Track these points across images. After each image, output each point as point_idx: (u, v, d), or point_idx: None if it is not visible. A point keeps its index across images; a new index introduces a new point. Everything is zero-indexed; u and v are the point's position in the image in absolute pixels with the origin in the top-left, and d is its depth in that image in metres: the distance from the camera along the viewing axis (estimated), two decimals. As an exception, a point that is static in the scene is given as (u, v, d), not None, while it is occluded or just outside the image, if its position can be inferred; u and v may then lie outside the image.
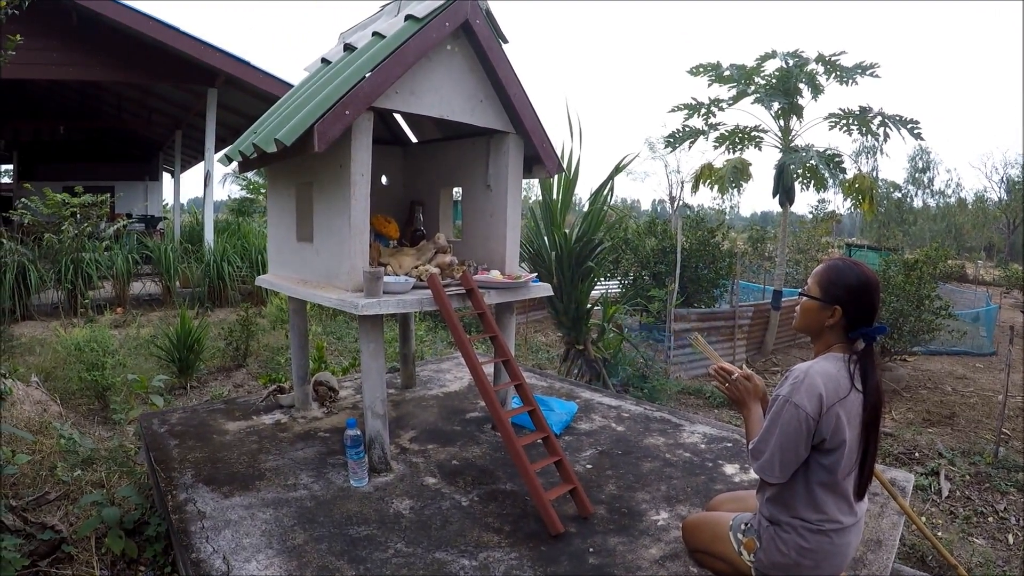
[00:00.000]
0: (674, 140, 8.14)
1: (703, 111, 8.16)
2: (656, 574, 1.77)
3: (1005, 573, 3.03)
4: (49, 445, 3.20)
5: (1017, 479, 4.22)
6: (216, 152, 8.85)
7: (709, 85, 8.05)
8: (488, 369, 3.03)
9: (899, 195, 27.56)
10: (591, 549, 1.88)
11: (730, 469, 2.52)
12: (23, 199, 7.20)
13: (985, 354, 9.59)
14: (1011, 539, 3.47)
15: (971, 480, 4.26)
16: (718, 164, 8.63)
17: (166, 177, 15.82)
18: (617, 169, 4.30)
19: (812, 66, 7.82)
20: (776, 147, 8.34)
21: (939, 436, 5.35)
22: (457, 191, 3.33)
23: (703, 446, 2.78)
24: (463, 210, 3.01)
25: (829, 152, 7.64)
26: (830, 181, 7.86)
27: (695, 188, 8.89)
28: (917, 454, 4.90)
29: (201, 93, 8.89)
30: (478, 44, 2.50)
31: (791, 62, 7.66)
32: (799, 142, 8.29)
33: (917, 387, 7.38)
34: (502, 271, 2.70)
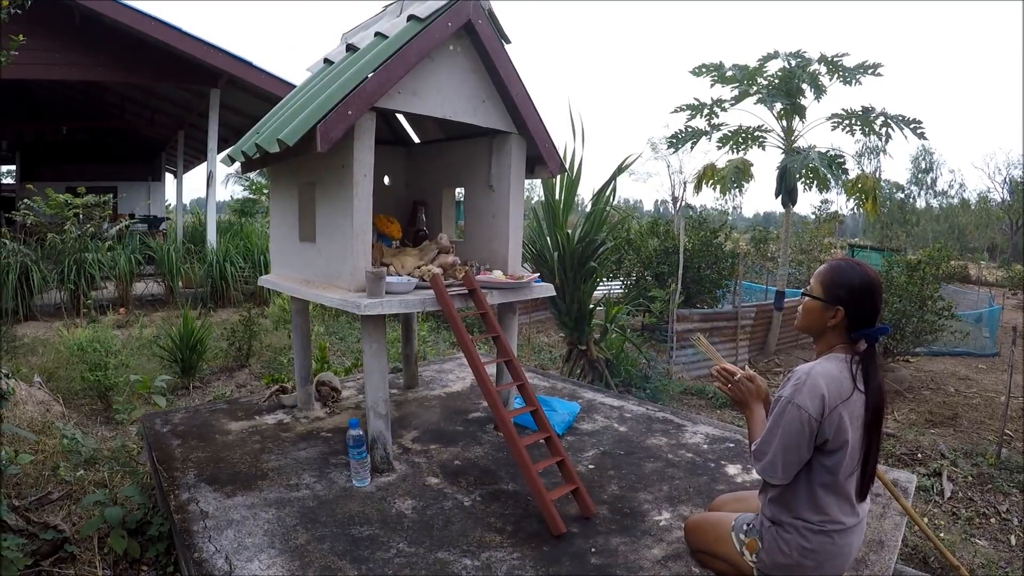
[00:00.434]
0: (677, 141, 8.13)
1: (706, 111, 8.14)
2: (658, 574, 1.76)
3: (1008, 574, 3.02)
4: (52, 445, 3.21)
5: (1019, 480, 4.20)
6: (219, 152, 8.87)
7: (712, 85, 8.04)
8: (492, 370, 3.03)
9: (902, 196, 27.49)
10: (593, 549, 1.88)
11: (732, 469, 2.51)
12: (26, 200, 7.22)
13: (988, 355, 9.56)
14: (1013, 540, 3.45)
15: (973, 481, 4.25)
16: (721, 164, 8.62)
17: (169, 178, 15.85)
18: (619, 169, 4.30)
19: (815, 67, 7.80)
20: (779, 148, 8.33)
21: (942, 437, 5.34)
22: (460, 191, 3.33)
23: (705, 446, 2.77)
24: (465, 210, 3.01)
25: (831, 153, 7.62)
26: (832, 182, 7.83)
27: (698, 188, 8.88)
28: (920, 455, 4.88)
29: (203, 93, 8.91)
30: (480, 44, 2.50)
31: (793, 63, 7.64)
32: (802, 143, 8.28)
33: (920, 388, 7.35)
34: (505, 271, 2.70)
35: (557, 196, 4.21)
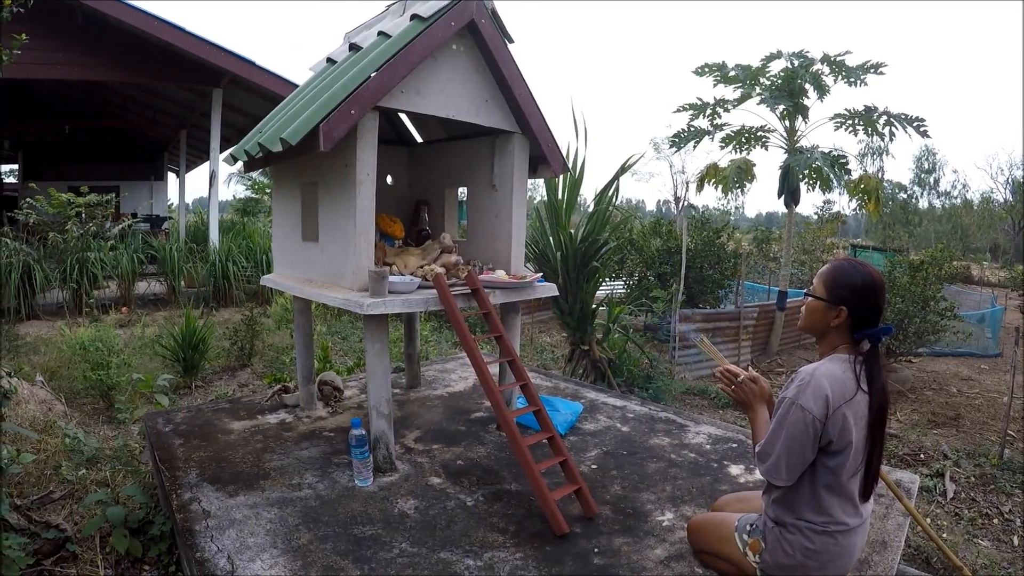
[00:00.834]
0: (679, 140, 8.11)
1: (708, 111, 8.12)
2: (661, 574, 1.76)
3: (1010, 575, 3.00)
4: (54, 444, 3.21)
5: (1022, 481, 4.17)
6: (221, 152, 8.87)
7: (715, 85, 8.01)
8: (494, 369, 3.03)
9: (904, 196, 27.41)
10: (596, 549, 1.87)
11: (735, 470, 2.50)
12: (28, 199, 7.23)
13: (990, 355, 9.53)
14: (1016, 541, 3.44)
15: (976, 482, 4.24)
16: (723, 164, 8.60)
17: (171, 177, 15.88)
18: (622, 169, 4.29)
19: (817, 66, 7.77)
20: (782, 148, 8.31)
21: (944, 437, 5.32)
22: (462, 191, 3.32)
23: (708, 447, 2.76)
24: (468, 210, 3.01)
25: (834, 153, 7.60)
26: (835, 182, 7.81)
27: (700, 188, 8.86)
28: (922, 455, 4.87)
29: (206, 93, 8.92)
30: (484, 44, 2.50)
31: (796, 62, 7.62)
32: (804, 143, 8.25)
33: (922, 388, 7.33)
34: (507, 271, 2.69)
35: (560, 196, 4.20)
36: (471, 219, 2.97)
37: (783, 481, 1.55)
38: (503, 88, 2.61)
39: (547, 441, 2.13)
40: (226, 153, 3.35)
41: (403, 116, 3.36)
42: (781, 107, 7.86)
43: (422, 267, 2.47)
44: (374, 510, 2.07)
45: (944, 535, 3.42)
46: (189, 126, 11.73)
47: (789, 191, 7.96)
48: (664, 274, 7.91)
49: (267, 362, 5.39)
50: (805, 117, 8.13)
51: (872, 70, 7.77)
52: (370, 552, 1.82)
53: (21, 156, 13.55)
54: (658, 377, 5.07)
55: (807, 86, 7.76)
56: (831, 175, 7.47)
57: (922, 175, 28.27)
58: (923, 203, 29.29)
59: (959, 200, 29.00)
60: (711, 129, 8.11)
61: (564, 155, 4.00)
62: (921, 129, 7.63)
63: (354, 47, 2.75)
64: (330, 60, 2.96)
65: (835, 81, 7.86)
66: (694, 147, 8.15)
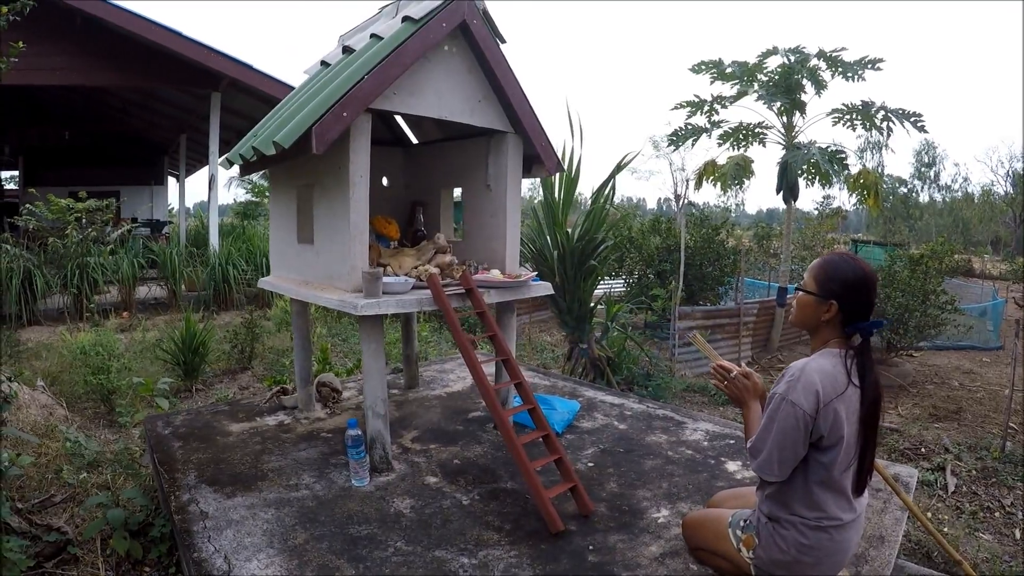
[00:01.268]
0: (677, 138, 8.11)
1: (706, 108, 8.12)
2: (656, 572, 1.76)
3: (1012, 569, 2.99)
4: (55, 448, 3.23)
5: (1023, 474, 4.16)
6: (220, 156, 8.90)
7: (712, 82, 8.01)
8: (490, 368, 3.04)
9: (905, 190, 27.33)
10: (591, 547, 1.88)
11: (732, 466, 2.51)
12: (28, 204, 7.26)
13: (992, 348, 9.52)
14: (1018, 534, 3.43)
15: (977, 475, 4.22)
16: (722, 161, 8.60)
17: (171, 181, 15.93)
18: (618, 168, 4.30)
19: (814, 62, 7.76)
20: (780, 144, 8.31)
21: (945, 431, 5.30)
22: (458, 191, 3.33)
23: (706, 443, 2.77)
24: (464, 210, 3.02)
25: (832, 148, 7.59)
26: (834, 177, 7.80)
27: (698, 185, 8.86)
28: (923, 449, 4.85)
29: (205, 97, 8.95)
30: (476, 45, 2.50)
31: (792, 58, 7.61)
32: (802, 138, 8.25)
33: (924, 382, 7.31)
34: (503, 270, 2.70)
35: (556, 195, 4.21)
36: (467, 219, 2.98)
37: (775, 477, 1.55)
38: (496, 88, 2.62)
39: (543, 439, 2.14)
40: (223, 157, 3.37)
41: (399, 117, 3.37)
42: (778, 103, 7.86)
43: (416, 268, 2.48)
44: (370, 509, 2.08)
45: (945, 529, 3.40)
46: (189, 130, 11.76)
47: (788, 187, 7.96)
48: (664, 272, 7.91)
49: (267, 365, 5.41)
50: (803, 113, 8.13)
51: (869, 66, 7.77)
52: (365, 551, 1.83)
53: (22, 162, 13.60)
54: (658, 375, 5.07)
55: (804, 82, 7.76)
56: (829, 170, 7.46)
57: (922, 169, 28.20)
58: (924, 197, 29.25)
59: (960, 194, 28.94)
60: (708, 126, 8.11)
61: (560, 154, 4.01)
62: (918, 124, 7.62)
63: (347, 50, 2.77)
64: (324, 63, 2.97)
65: (832, 76, 7.86)
66: (692, 145, 8.13)
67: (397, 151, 3.47)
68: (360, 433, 2.23)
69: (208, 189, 9.00)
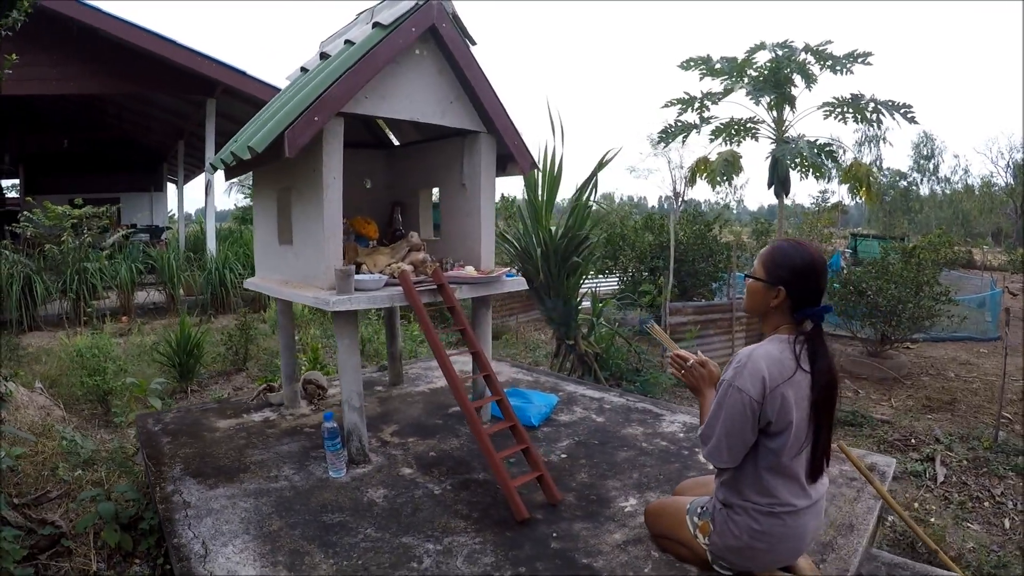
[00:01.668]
0: (666, 135, 8.16)
1: (697, 105, 8.17)
2: (617, 558, 1.81)
3: (1000, 558, 2.98)
4: (51, 447, 3.31)
5: (1016, 463, 4.15)
6: (216, 161, 8.98)
7: (701, 79, 8.06)
8: (465, 363, 3.09)
9: (905, 184, 27.19)
10: (555, 534, 1.93)
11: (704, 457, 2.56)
12: (25, 212, 7.38)
13: (990, 339, 9.50)
14: (1007, 524, 3.42)
15: (968, 465, 4.22)
16: (715, 158, 8.64)
17: (171, 188, 16.09)
18: (600, 165, 4.35)
19: (803, 56, 7.80)
20: (772, 139, 8.34)
21: (938, 422, 5.27)
22: (437, 191, 3.40)
23: (681, 435, 2.82)
24: (442, 210, 3.09)
25: (821, 141, 7.62)
26: (825, 171, 7.83)
27: (691, 182, 8.90)
28: (913, 440, 4.84)
29: (201, 103, 9.07)
30: (446, 47, 2.57)
31: (780, 53, 7.65)
32: (794, 132, 8.29)
33: (919, 374, 7.29)
34: (478, 267, 2.77)
35: (540, 194, 4.27)
36: (444, 218, 3.06)
37: (725, 463, 1.57)
38: (467, 90, 2.68)
39: (510, 430, 2.20)
40: (209, 162, 3.45)
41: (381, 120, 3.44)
42: (768, 98, 7.90)
43: (390, 265, 2.56)
44: (344, 499, 2.15)
45: (932, 519, 3.38)
46: (186, 136, 11.90)
47: (779, 181, 7.99)
48: (656, 268, 7.95)
49: (262, 365, 5.50)
50: (792, 107, 8.16)
51: (859, 59, 7.79)
52: (336, 537, 1.90)
53: (22, 170, 13.76)
54: (647, 370, 5.11)
55: (794, 76, 7.79)
56: (818, 163, 7.49)
57: (921, 161, 28.05)
58: (925, 190, 29.12)
59: (960, 185, 28.77)
60: (698, 123, 8.15)
61: (543, 153, 4.07)
62: (908, 115, 7.64)
63: (324, 55, 2.85)
64: (303, 69, 3.05)
65: (821, 70, 7.89)
66: (683, 141, 8.17)
67: (379, 153, 3.54)
68: (336, 426, 2.30)
69: (204, 195, 9.11)
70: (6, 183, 16.11)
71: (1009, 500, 3.72)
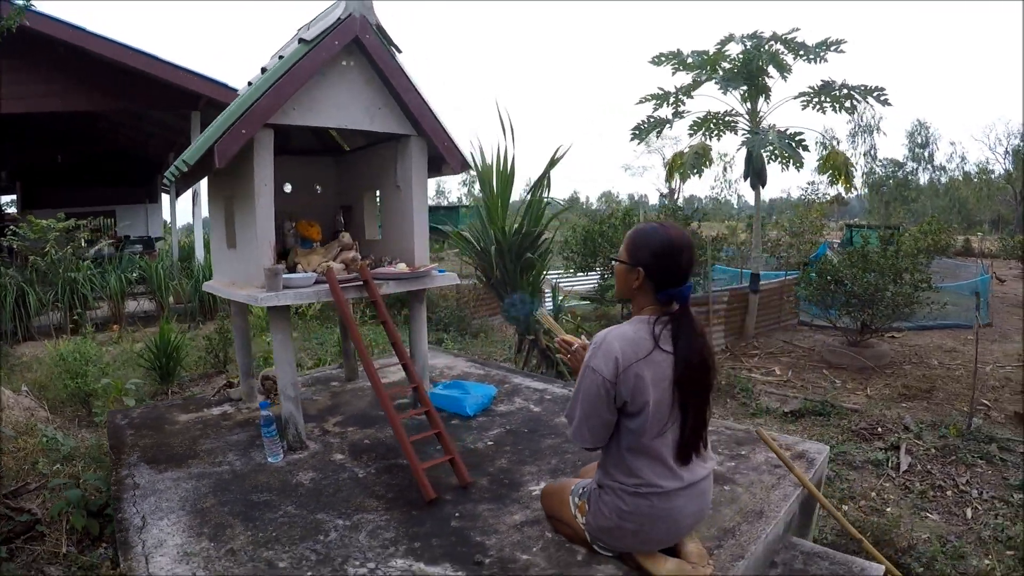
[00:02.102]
0: (640, 131, 8.26)
1: (671, 100, 8.24)
2: (510, 537, 1.89)
3: (956, 548, 2.89)
4: (33, 444, 3.53)
5: (986, 450, 4.09)
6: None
7: (673, 73, 8.13)
8: (447, 361, 3.24)
9: (901, 173, 26.96)
10: (458, 514, 2.05)
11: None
12: (11, 226, 7.67)
13: (980, 325, 9.45)
14: (969, 513, 3.37)
15: (936, 454, 4.16)
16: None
17: (165, 199, 16.46)
18: (552, 163, 4.49)
19: (775, 46, 7.84)
20: (747, 131, 8.40)
21: (912, 411, 5.16)
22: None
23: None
24: (382, 211, 3.26)
25: (791, 131, 7.68)
26: (797, 160, 7.88)
27: (669, 176, 9.00)
28: (880, 429, 4.75)
29: (188, 116, 9.33)
30: (371, 57, 2.73)
31: (749, 44, 7.71)
32: (770, 124, 8.33)
33: (902, 363, 7.24)
34: (411, 264, 2.93)
35: (493, 193, 4.42)
36: (384, 219, 3.22)
37: (588, 443, 1.61)
38: (395, 96, 2.84)
39: (425, 415, 2.36)
40: (164, 174, 3.65)
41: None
42: (740, 89, 7.96)
43: (321, 264, 2.72)
44: (275, 481, 2.32)
45: (889, 509, 3.34)
46: (177, 148, 12.18)
47: (754, 173, 8.04)
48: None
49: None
50: (767, 98, 8.21)
51: (831, 47, 7.82)
52: (258, 513, 2.07)
53: (19, 186, 14.13)
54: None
55: (768, 67, 7.83)
56: (788, 153, 7.55)
57: (916, 149, 27.78)
58: (923, 178, 28.85)
59: (958, 173, 28.48)
60: (671, 118, 8.24)
61: (498, 153, 4.18)
62: (882, 98, 7.66)
63: (263, 70, 3.02)
64: (250, 84, 3.23)
65: (795, 59, 7.92)
66: (657, 136, 8.27)
67: (330, 160, 3.72)
68: (271, 414, 2.47)
69: (192, 205, 9.36)
70: (4, 199, 16.53)
71: (974, 488, 3.66)
